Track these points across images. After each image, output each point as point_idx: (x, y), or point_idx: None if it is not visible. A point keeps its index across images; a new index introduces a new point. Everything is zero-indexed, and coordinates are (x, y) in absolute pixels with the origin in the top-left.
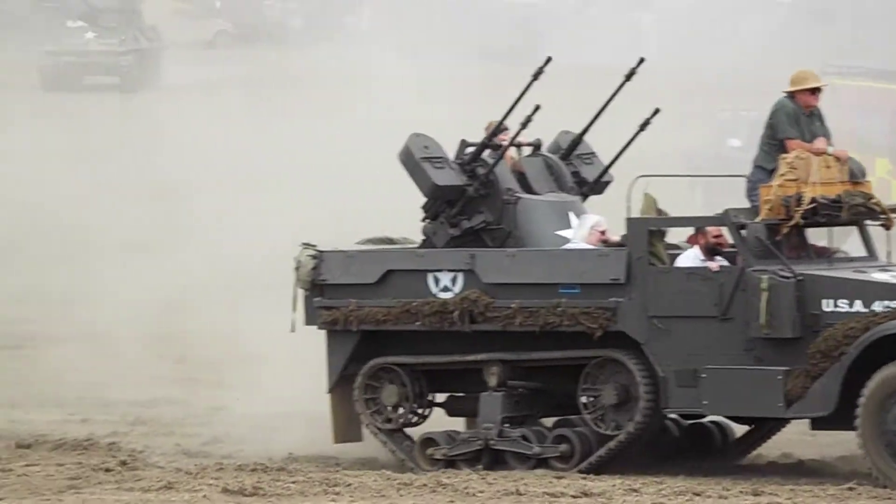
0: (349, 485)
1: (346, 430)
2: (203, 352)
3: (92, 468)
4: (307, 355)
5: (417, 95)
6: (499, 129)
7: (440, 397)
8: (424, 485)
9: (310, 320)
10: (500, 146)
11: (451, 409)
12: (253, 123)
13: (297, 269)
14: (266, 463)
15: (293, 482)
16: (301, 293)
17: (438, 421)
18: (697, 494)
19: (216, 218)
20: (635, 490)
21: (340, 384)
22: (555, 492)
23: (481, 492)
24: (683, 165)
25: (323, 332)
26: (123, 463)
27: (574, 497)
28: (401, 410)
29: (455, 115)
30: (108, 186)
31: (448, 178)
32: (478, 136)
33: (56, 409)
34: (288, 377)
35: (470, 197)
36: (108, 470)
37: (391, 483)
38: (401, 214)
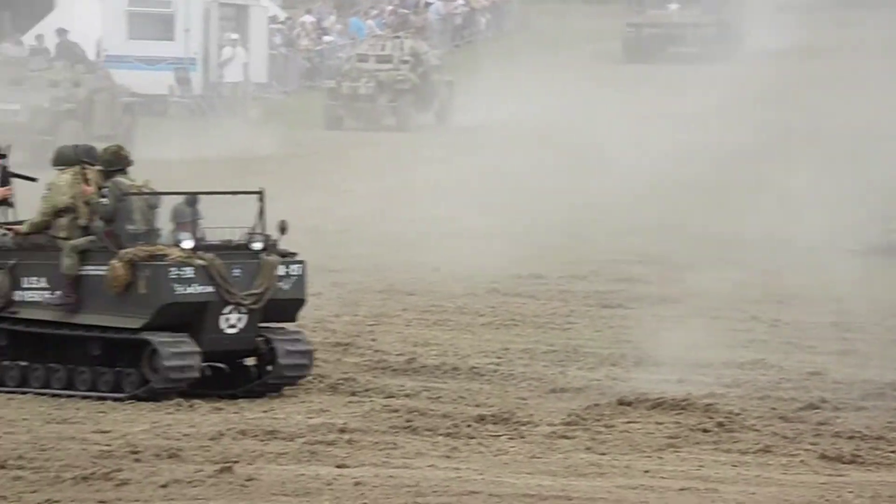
0: None
1: None
2: (799, 315)
3: (690, 428)
4: None
5: None
6: None
7: None
8: None
9: None
10: None
11: None
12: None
13: None
14: (864, 431)
15: (892, 451)
16: None
17: None
18: None
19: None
20: None
21: None
22: None
23: None
24: None
25: None
26: (720, 424)
27: None
28: None
29: None
30: (705, 148)
31: None
32: None
33: (654, 369)
34: None
35: None
36: (705, 430)
37: None
38: None
